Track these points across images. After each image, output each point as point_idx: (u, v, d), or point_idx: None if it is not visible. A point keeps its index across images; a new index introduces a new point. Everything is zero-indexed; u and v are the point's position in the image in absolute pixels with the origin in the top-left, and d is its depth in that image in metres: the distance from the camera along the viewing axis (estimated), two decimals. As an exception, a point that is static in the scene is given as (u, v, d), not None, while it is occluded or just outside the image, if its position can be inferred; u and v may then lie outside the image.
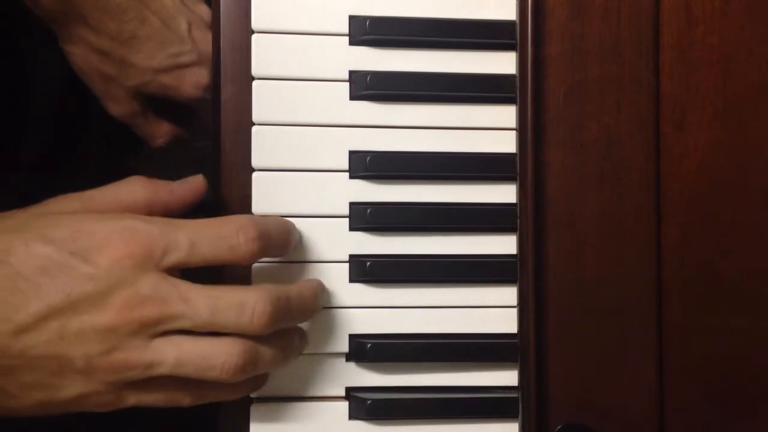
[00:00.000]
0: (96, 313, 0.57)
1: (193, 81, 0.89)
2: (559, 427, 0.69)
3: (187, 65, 0.89)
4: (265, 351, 0.62)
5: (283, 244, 0.67)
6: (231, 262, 0.62)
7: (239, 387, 0.65)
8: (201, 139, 0.96)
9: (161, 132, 0.95)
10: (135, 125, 0.93)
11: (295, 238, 0.68)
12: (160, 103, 0.93)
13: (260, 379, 0.67)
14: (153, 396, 0.61)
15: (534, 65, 0.69)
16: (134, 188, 0.64)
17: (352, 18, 0.71)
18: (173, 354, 0.59)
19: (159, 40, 0.87)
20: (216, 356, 0.59)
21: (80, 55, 0.88)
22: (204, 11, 0.91)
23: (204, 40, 0.89)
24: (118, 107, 0.91)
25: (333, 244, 0.71)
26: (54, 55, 0.89)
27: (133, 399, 0.60)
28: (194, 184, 0.67)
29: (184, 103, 0.92)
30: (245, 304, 0.60)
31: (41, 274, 0.56)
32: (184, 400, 0.62)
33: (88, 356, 0.57)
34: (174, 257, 0.59)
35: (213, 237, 0.61)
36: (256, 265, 0.69)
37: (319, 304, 0.68)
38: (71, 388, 0.58)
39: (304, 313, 0.66)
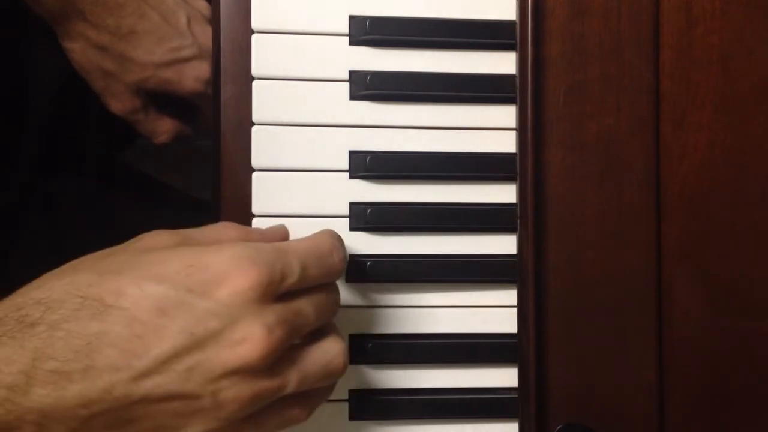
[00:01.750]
0: (225, 351, 0.54)
1: (194, 75, 0.89)
2: (559, 427, 0.69)
3: (187, 59, 0.89)
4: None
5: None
6: (326, 281, 0.61)
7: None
8: (201, 137, 0.96)
9: (163, 128, 0.95)
10: (136, 122, 0.93)
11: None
12: (161, 101, 0.93)
13: None
14: (271, 422, 0.59)
15: (534, 65, 0.69)
16: (229, 231, 0.62)
17: (352, 18, 0.71)
18: (295, 372, 0.58)
19: (158, 34, 0.87)
20: (334, 359, 0.60)
21: (80, 51, 0.88)
22: (203, 6, 0.91)
23: (204, 34, 0.89)
24: (119, 104, 0.91)
25: (333, 244, 0.71)
26: (53, 55, 0.89)
27: (249, 430, 0.58)
28: (281, 233, 0.66)
29: (185, 99, 0.92)
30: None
31: (159, 316, 0.53)
32: (301, 415, 0.61)
33: (216, 392, 0.55)
34: (289, 282, 0.57)
35: (317, 258, 0.60)
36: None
37: None
38: (193, 427, 0.55)
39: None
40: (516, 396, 0.71)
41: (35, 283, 0.55)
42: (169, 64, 0.88)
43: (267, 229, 0.66)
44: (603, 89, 0.69)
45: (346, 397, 0.71)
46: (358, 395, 0.71)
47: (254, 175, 0.70)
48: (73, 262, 0.57)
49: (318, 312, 0.59)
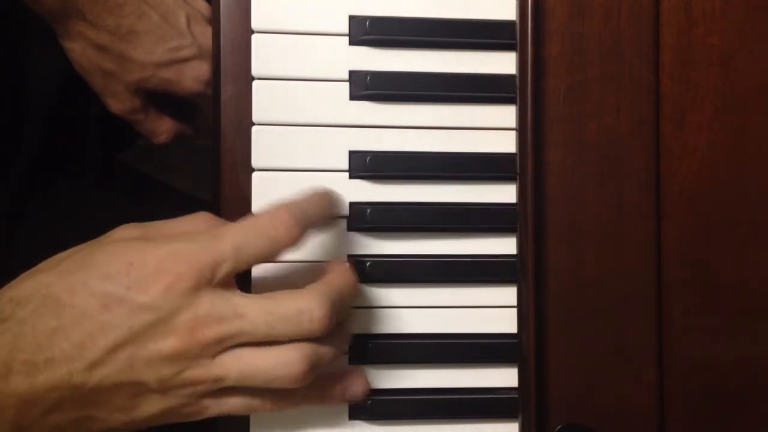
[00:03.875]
0: (160, 340, 0.59)
1: (193, 75, 0.89)
2: (559, 427, 0.69)
3: (187, 59, 0.89)
4: (326, 349, 0.64)
5: (320, 214, 0.67)
6: (276, 253, 0.63)
7: (328, 392, 0.68)
8: (201, 138, 0.96)
9: (163, 128, 0.95)
10: (136, 122, 0.93)
11: (333, 201, 0.69)
12: (161, 100, 0.93)
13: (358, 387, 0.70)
14: (230, 404, 0.63)
15: (534, 65, 0.69)
16: (198, 223, 0.65)
17: (352, 18, 0.71)
18: (237, 368, 0.61)
19: (158, 34, 0.87)
20: (279, 368, 0.62)
21: (79, 51, 0.88)
22: (203, 6, 0.91)
23: (203, 34, 0.89)
24: (119, 104, 0.91)
25: (333, 244, 0.71)
26: (53, 55, 0.89)
27: (213, 408, 0.63)
28: None
29: (185, 99, 0.92)
30: (302, 312, 0.61)
31: (104, 311, 0.59)
32: (264, 406, 0.65)
33: (160, 379, 0.60)
34: (224, 269, 0.61)
35: (254, 236, 0.62)
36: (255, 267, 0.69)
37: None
38: (151, 406, 0.61)
39: (352, 298, 0.67)
40: (516, 396, 0.71)
41: (11, 283, 0.61)
42: (169, 63, 0.88)
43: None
44: (603, 89, 0.69)
45: (346, 397, 0.71)
46: (358, 395, 0.71)
47: (254, 175, 0.70)
48: (43, 262, 0.63)
49: (268, 317, 0.61)
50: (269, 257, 0.63)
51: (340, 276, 0.66)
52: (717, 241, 0.70)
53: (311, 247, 0.70)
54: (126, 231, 0.64)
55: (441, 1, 0.71)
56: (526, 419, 0.69)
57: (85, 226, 0.65)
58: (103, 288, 0.59)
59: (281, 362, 0.62)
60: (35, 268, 0.62)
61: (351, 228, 0.71)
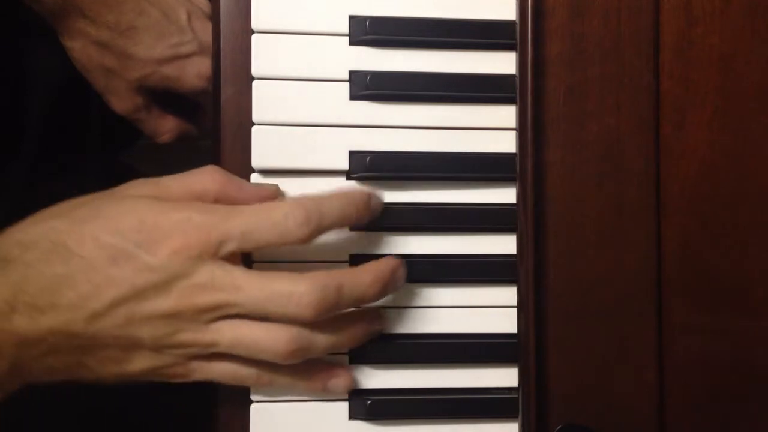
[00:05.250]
0: (159, 300, 0.61)
1: (195, 71, 0.89)
2: (559, 427, 0.69)
3: (188, 55, 0.89)
4: (320, 337, 0.66)
5: (340, 219, 0.67)
6: (284, 245, 0.64)
7: (310, 377, 0.69)
8: (203, 137, 0.96)
9: (166, 127, 0.95)
10: (139, 121, 0.93)
11: (360, 209, 0.68)
12: (165, 99, 0.93)
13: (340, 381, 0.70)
14: (217, 370, 0.66)
15: (534, 65, 0.69)
16: (206, 180, 0.66)
17: (352, 18, 0.71)
18: (229, 336, 0.63)
19: (158, 30, 0.87)
20: (266, 341, 0.64)
21: (80, 49, 0.88)
22: (203, 2, 0.91)
23: (204, 30, 0.89)
24: (121, 102, 0.91)
25: (333, 244, 0.71)
26: (55, 55, 0.89)
27: (199, 373, 0.66)
28: (266, 191, 0.69)
29: (188, 98, 0.92)
30: (292, 294, 0.63)
31: (111, 265, 0.61)
32: (249, 377, 0.67)
33: (154, 337, 0.62)
34: (228, 247, 0.62)
35: (264, 224, 0.63)
36: (256, 265, 0.69)
37: (384, 286, 0.67)
38: (142, 362, 0.63)
39: (361, 300, 0.66)
40: (516, 396, 0.71)
41: (18, 226, 0.63)
42: (170, 60, 0.88)
43: (251, 186, 0.69)
44: (603, 89, 0.69)
45: (346, 397, 0.71)
46: (358, 395, 0.71)
47: (254, 174, 0.70)
48: (54, 207, 0.65)
49: (260, 293, 0.63)
50: (276, 247, 0.64)
51: (350, 273, 0.66)
52: (717, 241, 0.70)
53: (312, 247, 0.70)
54: (139, 187, 0.66)
55: (441, 1, 0.71)
56: (526, 419, 0.69)
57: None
58: (113, 242, 0.61)
59: (270, 336, 0.64)
60: (46, 211, 0.64)
61: (351, 228, 0.71)
